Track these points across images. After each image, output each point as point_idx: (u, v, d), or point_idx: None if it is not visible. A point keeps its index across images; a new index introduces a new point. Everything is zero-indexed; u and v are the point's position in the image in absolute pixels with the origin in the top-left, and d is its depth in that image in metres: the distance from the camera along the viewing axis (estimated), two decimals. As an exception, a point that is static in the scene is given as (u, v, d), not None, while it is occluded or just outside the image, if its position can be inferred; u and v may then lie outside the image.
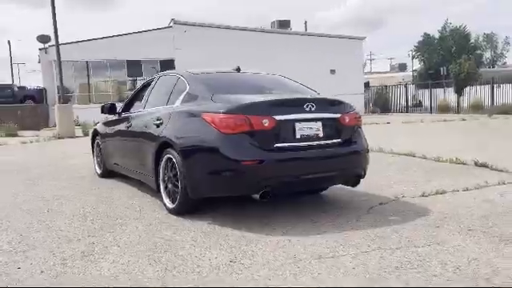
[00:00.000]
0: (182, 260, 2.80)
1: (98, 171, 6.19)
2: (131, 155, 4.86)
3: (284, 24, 29.25)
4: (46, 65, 22.61)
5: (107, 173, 5.90)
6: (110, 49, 23.36)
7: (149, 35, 24.31)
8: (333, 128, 3.73)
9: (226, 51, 25.42)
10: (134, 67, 24.45)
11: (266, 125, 3.34)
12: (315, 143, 3.59)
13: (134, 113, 5.11)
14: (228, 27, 26.31)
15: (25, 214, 4.12)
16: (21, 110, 21.48)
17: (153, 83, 5.02)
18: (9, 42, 68.43)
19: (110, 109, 5.64)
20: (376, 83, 32.69)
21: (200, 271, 2.61)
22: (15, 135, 15.47)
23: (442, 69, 29.54)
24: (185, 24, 25.07)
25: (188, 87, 4.06)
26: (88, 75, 24.46)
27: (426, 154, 7.04)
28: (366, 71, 56.88)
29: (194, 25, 25.53)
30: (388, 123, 16.55)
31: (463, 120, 16.64)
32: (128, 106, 5.48)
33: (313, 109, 3.55)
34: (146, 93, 5.04)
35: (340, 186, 4.23)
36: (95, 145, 6.37)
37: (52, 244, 3.19)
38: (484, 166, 6.02)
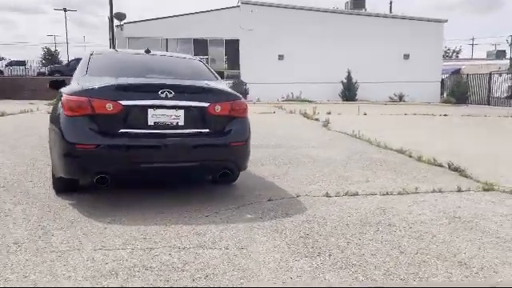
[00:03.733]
0: None
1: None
2: None
3: (358, 4, 27.70)
4: (121, 41, 24.40)
5: None
6: (179, 27, 24.38)
7: (215, 14, 24.82)
8: (199, 117, 3.59)
9: (293, 32, 25.04)
10: (200, 46, 25.24)
11: (110, 109, 3.33)
12: (173, 132, 3.49)
13: None
14: (295, 7, 25.74)
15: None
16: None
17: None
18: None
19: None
20: (470, 71, 29.59)
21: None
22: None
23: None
24: (252, 3, 25.08)
25: (79, 67, 4.18)
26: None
27: (420, 152, 6.40)
28: (461, 57, 51.70)
29: (262, 4, 25.42)
30: (444, 115, 15.00)
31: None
32: None
33: (170, 95, 3.44)
34: None
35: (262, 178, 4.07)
36: None
37: None
38: (456, 170, 5.35)
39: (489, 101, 23.67)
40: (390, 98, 25.02)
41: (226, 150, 3.65)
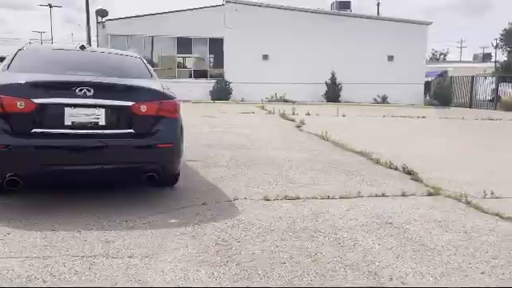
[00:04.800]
0: None
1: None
2: None
3: (344, 5, 27.68)
4: (102, 38, 24.10)
5: None
6: (162, 25, 24.13)
7: (200, 13, 24.59)
8: (122, 117, 3.43)
9: (278, 32, 24.92)
10: (184, 44, 25.01)
11: (22, 107, 3.16)
12: (92, 132, 3.33)
13: None
14: (280, 7, 25.64)
15: None
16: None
17: None
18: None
19: None
20: (457, 73, 29.72)
21: None
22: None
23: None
24: (237, 3, 24.91)
25: (3, 63, 4.00)
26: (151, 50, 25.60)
27: (382, 154, 6.32)
28: (449, 60, 52.04)
29: (246, 4, 25.27)
30: (422, 117, 14.97)
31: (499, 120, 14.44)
32: None
33: (89, 94, 3.27)
34: None
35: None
36: None
37: None
38: (410, 173, 5.28)
39: (471, 103, 23.78)
40: (374, 99, 25.02)
41: (151, 151, 3.50)
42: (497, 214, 3.68)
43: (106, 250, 2.69)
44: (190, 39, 25.06)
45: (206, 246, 2.83)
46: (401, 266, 2.62)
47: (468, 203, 4.03)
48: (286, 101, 23.86)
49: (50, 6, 42.13)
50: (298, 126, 10.81)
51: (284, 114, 14.15)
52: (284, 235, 3.09)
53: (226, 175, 5.03)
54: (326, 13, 26.89)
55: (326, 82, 24.64)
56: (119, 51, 4.86)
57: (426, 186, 4.73)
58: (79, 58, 4.23)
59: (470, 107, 23.26)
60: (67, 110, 3.27)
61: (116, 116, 3.42)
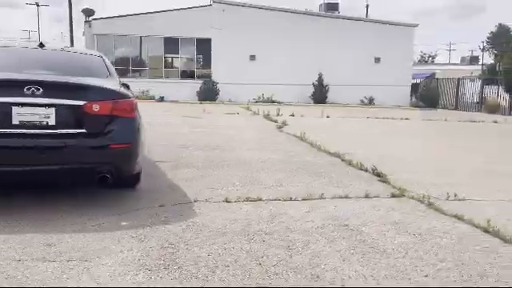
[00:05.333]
0: None
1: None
2: None
3: (332, 7, 27.75)
4: (89, 38, 23.87)
5: None
6: (149, 25, 23.97)
7: (188, 13, 24.47)
8: (73, 117, 3.36)
9: (266, 33, 24.89)
10: (171, 44, 24.87)
11: None
12: (41, 132, 3.25)
13: None
14: (268, 8, 25.62)
15: None
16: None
17: None
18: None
19: None
20: (444, 76, 29.98)
21: None
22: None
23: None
24: (224, 3, 24.84)
25: None
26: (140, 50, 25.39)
27: (356, 156, 6.30)
28: (438, 62, 52.42)
29: (234, 4, 25.21)
30: (406, 119, 15.02)
31: (480, 122, 14.54)
32: None
33: (37, 92, 3.19)
34: None
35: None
36: None
37: None
38: (379, 175, 5.26)
39: (457, 105, 23.98)
40: (361, 100, 25.11)
41: (104, 152, 3.42)
42: (455, 216, 3.67)
43: (46, 254, 2.62)
44: (178, 39, 24.93)
45: (151, 249, 2.77)
46: (346, 268, 2.59)
47: (429, 205, 4.02)
48: (273, 102, 23.84)
49: (38, 5, 41.69)
50: (280, 127, 10.78)
51: (268, 114, 14.11)
52: (235, 238, 3.04)
53: (194, 176, 4.97)
54: (313, 14, 26.93)
55: (313, 84, 24.66)
56: (81, 50, 4.79)
57: (393, 187, 4.71)
58: (36, 56, 4.14)
59: (456, 109, 23.47)
60: (14, 109, 3.19)
61: (67, 115, 3.34)
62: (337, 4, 27.92)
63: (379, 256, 2.80)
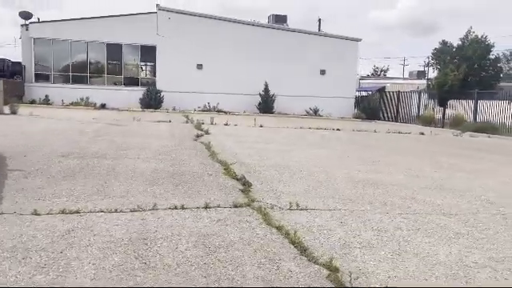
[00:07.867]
0: None
1: None
2: None
3: (281, 19, 28.08)
4: (26, 41, 22.92)
5: None
6: (91, 30, 23.31)
7: (132, 19, 24.04)
8: None
9: (213, 42, 24.77)
10: (114, 51, 24.29)
11: None
12: None
13: None
14: (215, 18, 25.57)
15: None
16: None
17: None
18: None
19: None
20: (394, 89, 30.82)
21: None
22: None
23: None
24: (170, 11, 24.58)
25: None
26: (76, 55, 24.59)
27: (249, 165, 6.14)
28: (394, 76, 54.13)
29: (180, 12, 24.99)
30: (337, 130, 15.16)
31: (408, 134, 14.94)
32: None
33: None
34: None
35: None
36: None
37: None
38: (245, 184, 5.09)
39: (397, 117, 24.65)
40: (307, 111, 25.39)
41: None
42: (277, 227, 3.50)
43: None
44: (121, 45, 24.41)
45: None
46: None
47: (264, 215, 3.85)
48: (219, 111, 23.68)
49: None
50: (198, 136, 10.53)
51: (202, 123, 13.83)
52: (-3, 254, 2.71)
53: (39, 186, 4.59)
54: (261, 25, 27.15)
55: (259, 94, 24.71)
56: None
57: (247, 197, 4.53)
58: None
59: (395, 121, 24.11)
60: None
61: None
62: (285, 16, 28.31)
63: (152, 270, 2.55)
